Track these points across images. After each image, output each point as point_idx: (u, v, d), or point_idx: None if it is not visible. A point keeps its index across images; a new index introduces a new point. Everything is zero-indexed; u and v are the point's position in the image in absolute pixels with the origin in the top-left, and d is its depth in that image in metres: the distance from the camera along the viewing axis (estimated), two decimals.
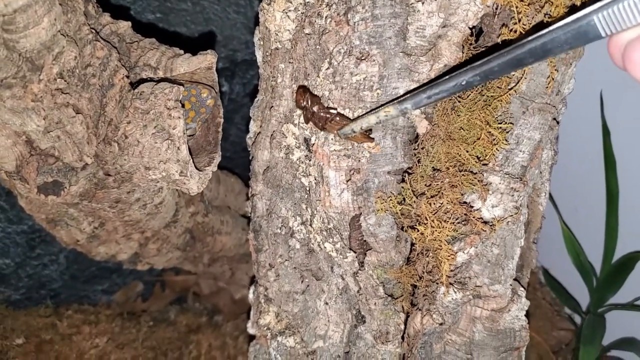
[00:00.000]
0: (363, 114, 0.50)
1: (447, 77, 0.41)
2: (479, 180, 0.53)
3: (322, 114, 0.52)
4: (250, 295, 0.70)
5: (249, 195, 0.66)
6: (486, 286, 0.55)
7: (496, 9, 0.51)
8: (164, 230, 0.81)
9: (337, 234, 0.58)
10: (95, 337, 0.98)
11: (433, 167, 0.54)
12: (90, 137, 0.56)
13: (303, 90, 0.53)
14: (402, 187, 0.55)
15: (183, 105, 0.62)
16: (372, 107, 0.52)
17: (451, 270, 0.55)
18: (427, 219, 0.53)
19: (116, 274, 1.06)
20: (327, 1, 0.53)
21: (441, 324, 0.56)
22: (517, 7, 0.48)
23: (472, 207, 0.54)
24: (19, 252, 0.93)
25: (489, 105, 0.52)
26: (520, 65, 0.38)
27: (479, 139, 0.52)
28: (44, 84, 0.50)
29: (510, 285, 0.56)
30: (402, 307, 0.60)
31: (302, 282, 0.63)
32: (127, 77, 0.57)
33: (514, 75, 0.51)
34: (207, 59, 0.61)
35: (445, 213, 0.53)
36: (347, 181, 0.55)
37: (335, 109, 0.52)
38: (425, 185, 0.54)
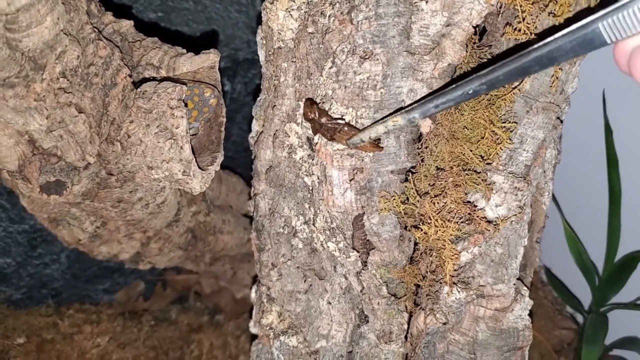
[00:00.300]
0: (371, 124, 0.50)
1: (453, 85, 0.42)
2: (482, 180, 0.52)
3: (330, 125, 0.52)
4: (253, 295, 0.70)
5: (252, 194, 0.66)
6: (490, 286, 0.55)
7: (500, 7, 0.51)
8: (165, 230, 0.81)
9: (340, 234, 0.58)
10: (96, 337, 0.98)
11: (437, 167, 0.54)
12: (93, 136, 0.56)
13: (310, 102, 0.54)
14: (406, 187, 0.55)
15: (186, 105, 0.62)
16: (376, 107, 0.52)
17: (455, 270, 0.55)
18: (430, 219, 0.53)
19: (118, 273, 1.06)
20: (331, 0, 0.53)
21: (444, 324, 0.56)
22: (521, 5, 0.48)
23: (475, 206, 0.53)
24: (21, 252, 0.93)
25: (493, 105, 0.52)
26: (525, 73, 0.38)
27: (482, 138, 0.52)
28: (46, 83, 0.50)
29: (514, 284, 0.56)
30: (406, 306, 0.60)
31: (304, 281, 0.63)
32: (130, 76, 0.57)
33: None
34: (210, 58, 0.61)
35: (449, 212, 0.53)
36: (351, 180, 0.55)
37: (343, 119, 0.52)
38: (429, 184, 0.54)
